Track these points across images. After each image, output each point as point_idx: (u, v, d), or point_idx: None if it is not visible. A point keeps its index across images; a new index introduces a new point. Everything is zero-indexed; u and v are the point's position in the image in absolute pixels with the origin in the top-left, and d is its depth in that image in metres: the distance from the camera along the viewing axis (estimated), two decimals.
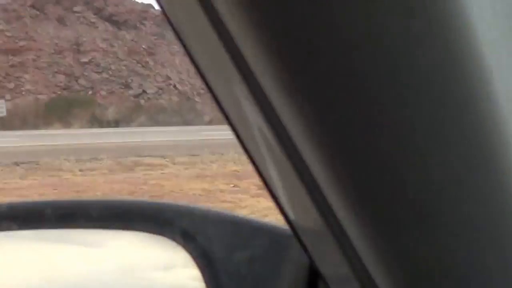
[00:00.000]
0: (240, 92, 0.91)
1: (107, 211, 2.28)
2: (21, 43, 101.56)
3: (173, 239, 2.20)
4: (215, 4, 0.97)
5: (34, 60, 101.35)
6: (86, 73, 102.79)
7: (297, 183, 1.22)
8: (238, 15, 0.95)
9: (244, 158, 1.27)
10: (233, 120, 1.09)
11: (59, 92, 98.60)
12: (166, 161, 31.10)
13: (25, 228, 2.24)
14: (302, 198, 1.26)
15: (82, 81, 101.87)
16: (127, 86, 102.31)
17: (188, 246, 2.19)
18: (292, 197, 1.47)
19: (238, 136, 1.38)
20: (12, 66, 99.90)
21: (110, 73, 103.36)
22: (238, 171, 25.77)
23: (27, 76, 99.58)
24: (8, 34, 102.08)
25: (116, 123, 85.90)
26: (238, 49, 1.01)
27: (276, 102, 1.08)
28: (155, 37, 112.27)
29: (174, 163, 30.33)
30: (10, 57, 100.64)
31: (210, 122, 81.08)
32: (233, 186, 23.11)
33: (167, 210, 2.31)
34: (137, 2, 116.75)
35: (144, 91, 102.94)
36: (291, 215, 1.57)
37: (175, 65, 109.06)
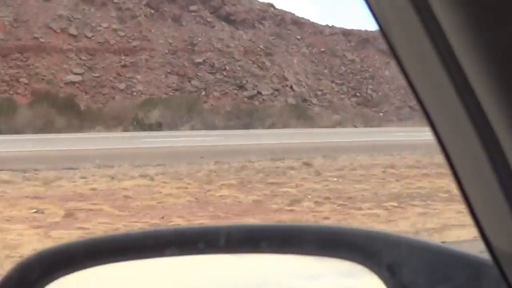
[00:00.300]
0: (451, 97, 0.97)
1: (316, 236, 2.23)
2: (134, 43, 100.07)
3: (378, 271, 2.12)
4: (430, 2, 1.01)
5: (147, 60, 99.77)
6: (199, 74, 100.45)
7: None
8: (456, 15, 0.97)
9: None
10: (440, 128, 1.16)
11: (171, 93, 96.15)
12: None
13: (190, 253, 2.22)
14: None
15: (195, 82, 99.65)
16: (242, 87, 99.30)
17: (391, 279, 2.10)
18: (499, 221, 1.43)
19: (443, 147, 1.34)
20: (124, 66, 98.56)
21: (225, 74, 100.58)
22: None
23: (139, 77, 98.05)
24: (122, 33, 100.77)
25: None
26: (452, 51, 1.03)
27: (495, 110, 1.05)
28: (273, 37, 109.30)
29: None
30: (123, 57, 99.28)
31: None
32: None
33: (376, 240, 2.21)
34: (257, 1, 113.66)
35: (259, 93, 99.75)
36: (495, 242, 1.54)
37: (292, 65, 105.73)
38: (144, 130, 70.81)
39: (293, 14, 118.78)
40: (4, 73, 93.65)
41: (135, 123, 75.27)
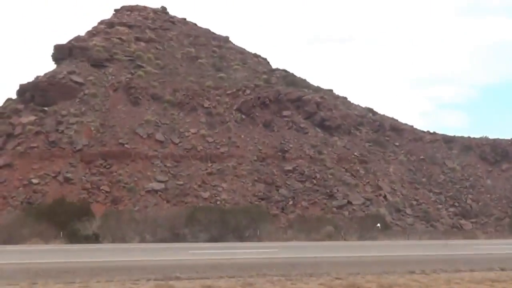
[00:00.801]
0: None
1: None
2: (223, 149, 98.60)
3: None
4: None
5: (234, 167, 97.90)
6: (288, 182, 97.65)
7: None
8: None
9: None
10: None
11: (256, 202, 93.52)
12: None
13: None
14: None
15: (283, 191, 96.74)
16: (331, 196, 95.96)
17: None
18: None
19: None
20: (210, 173, 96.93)
21: (315, 182, 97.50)
22: None
23: (224, 185, 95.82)
24: (210, 139, 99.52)
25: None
26: None
27: None
28: (370, 144, 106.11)
29: None
30: (209, 164, 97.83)
31: None
32: None
33: None
34: (354, 106, 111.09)
35: (349, 202, 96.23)
36: None
37: (388, 174, 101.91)
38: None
39: (393, 119, 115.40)
40: (86, 180, 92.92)
41: None
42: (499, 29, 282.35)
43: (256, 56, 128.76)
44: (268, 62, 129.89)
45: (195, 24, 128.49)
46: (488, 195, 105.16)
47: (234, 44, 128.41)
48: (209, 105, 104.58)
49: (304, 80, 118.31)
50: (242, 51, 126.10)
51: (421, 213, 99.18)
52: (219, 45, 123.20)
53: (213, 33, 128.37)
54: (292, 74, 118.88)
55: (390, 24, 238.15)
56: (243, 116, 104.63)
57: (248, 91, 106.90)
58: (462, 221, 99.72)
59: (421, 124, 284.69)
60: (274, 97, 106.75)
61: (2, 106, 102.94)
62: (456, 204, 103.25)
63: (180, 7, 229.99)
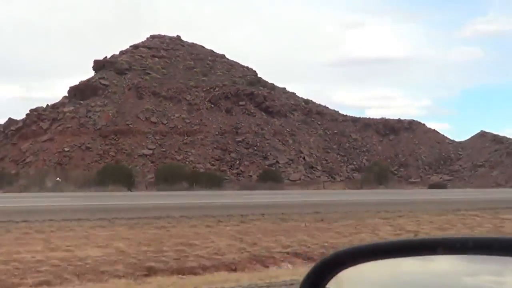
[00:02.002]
0: None
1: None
2: (195, 127, 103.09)
3: None
4: None
5: (201, 139, 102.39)
6: (238, 149, 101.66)
7: None
8: None
9: None
10: None
11: (212, 163, 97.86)
12: None
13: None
14: None
15: (233, 155, 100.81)
16: (265, 158, 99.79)
17: None
18: None
19: None
20: (185, 143, 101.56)
21: (255, 148, 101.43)
22: None
23: (193, 151, 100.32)
24: (187, 121, 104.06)
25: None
26: None
27: None
28: (299, 123, 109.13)
29: None
30: (185, 137, 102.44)
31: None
32: None
33: None
34: (292, 97, 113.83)
35: (277, 161, 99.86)
36: None
37: (309, 143, 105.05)
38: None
39: (319, 106, 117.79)
40: (100, 149, 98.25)
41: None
42: None
43: (243, 67, 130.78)
44: (251, 70, 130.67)
45: (202, 47, 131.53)
46: (378, 156, 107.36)
47: (228, 59, 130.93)
48: (189, 98, 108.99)
49: (265, 81, 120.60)
50: (232, 64, 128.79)
51: (327, 169, 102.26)
52: (214, 59, 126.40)
53: (213, 52, 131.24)
54: (258, 77, 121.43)
55: None
56: (212, 105, 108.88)
57: (217, 89, 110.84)
58: (355, 174, 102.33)
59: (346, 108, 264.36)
60: (234, 92, 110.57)
61: (58, 101, 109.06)
62: (354, 163, 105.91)
63: (198, 34, 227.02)
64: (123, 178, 70.21)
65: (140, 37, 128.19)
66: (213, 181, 74.25)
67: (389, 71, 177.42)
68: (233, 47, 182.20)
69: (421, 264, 2.30)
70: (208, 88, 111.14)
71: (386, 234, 19.77)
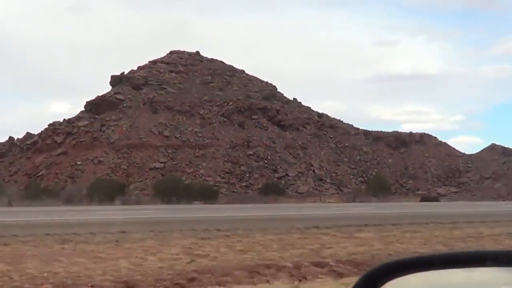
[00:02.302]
0: None
1: None
2: (207, 141, 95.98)
3: None
4: None
5: (213, 152, 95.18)
6: (248, 162, 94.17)
7: None
8: None
9: None
10: None
11: (222, 176, 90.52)
12: None
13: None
14: None
15: (243, 168, 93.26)
16: (275, 171, 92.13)
17: None
18: None
19: None
20: (196, 156, 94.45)
21: (266, 161, 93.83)
22: None
23: (204, 164, 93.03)
24: (200, 134, 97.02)
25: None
26: None
27: None
28: (311, 136, 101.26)
29: None
30: (197, 150, 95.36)
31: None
32: None
33: None
34: (306, 111, 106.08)
35: (286, 174, 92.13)
36: None
37: (320, 156, 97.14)
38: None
39: (333, 119, 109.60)
40: (112, 162, 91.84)
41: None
42: None
43: (262, 81, 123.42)
44: (269, 85, 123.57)
45: (222, 62, 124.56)
46: (388, 169, 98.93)
47: (247, 74, 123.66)
48: (203, 112, 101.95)
49: (281, 95, 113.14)
50: (250, 78, 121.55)
51: (336, 181, 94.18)
52: (232, 74, 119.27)
53: (232, 66, 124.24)
54: (275, 92, 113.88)
55: None
56: (225, 119, 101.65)
57: (231, 103, 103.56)
58: (363, 186, 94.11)
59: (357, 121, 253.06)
60: (248, 106, 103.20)
61: (74, 116, 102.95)
62: (364, 175, 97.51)
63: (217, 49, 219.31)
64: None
65: (161, 54, 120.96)
66: (207, 195, 67.02)
67: (423, 87, 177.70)
68: (264, 64, 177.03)
69: (464, 275, 2.30)
70: (222, 102, 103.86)
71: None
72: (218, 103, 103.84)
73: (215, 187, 79.89)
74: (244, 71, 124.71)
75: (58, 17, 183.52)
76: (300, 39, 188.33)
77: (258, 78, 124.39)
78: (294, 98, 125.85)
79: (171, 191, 69.22)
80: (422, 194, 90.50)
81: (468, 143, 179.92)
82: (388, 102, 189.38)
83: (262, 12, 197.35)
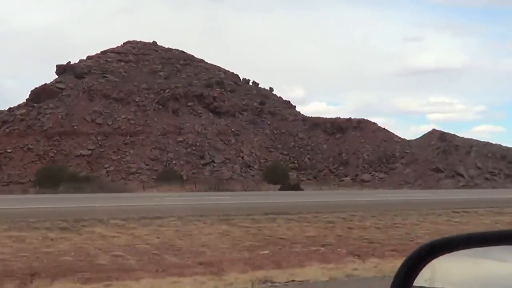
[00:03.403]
0: None
1: None
2: (138, 128, 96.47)
3: None
4: None
5: (143, 139, 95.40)
6: (177, 149, 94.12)
7: None
8: None
9: None
10: None
11: (147, 163, 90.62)
12: None
13: None
14: None
15: (170, 154, 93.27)
16: (202, 157, 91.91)
17: None
18: None
19: None
20: (125, 144, 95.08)
21: (194, 148, 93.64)
22: None
23: (131, 151, 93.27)
24: (132, 122, 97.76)
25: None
26: None
27: None
28: (247, 123, 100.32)
29: None
30: (127, 138, 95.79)
31: None
32: None
33: None
34: (244, 99, 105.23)
35: (212, 161, 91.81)
36: None
37: (252, 142, 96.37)
38: None
39: (273, 107, 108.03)
40: (42, 149, 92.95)
41: None
42: None
43: (221, 70, 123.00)
44: (231, 74, 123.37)
45: (183, 52, 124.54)
46: (321, 155, 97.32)
47: (206, 63, 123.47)
48: (138, 100, 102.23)
49: (224, 82, 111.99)
50: (208, 67, 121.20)
51: (264, 168, 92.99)
52: (187, 63, 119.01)
53: (192, 56, 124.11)
54: (221, 79, 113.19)
55: None
56: (160, 107, 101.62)
57: (168, 91, 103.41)
58: (290, 173, 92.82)
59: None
60: (184, 94, 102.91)
61: (16, 105, 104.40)
62: (295, 161, 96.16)
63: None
64: None
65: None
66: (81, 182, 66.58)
67: (448, 80, 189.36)
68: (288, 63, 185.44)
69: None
70: (159, 90, 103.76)
71: None
72: (155, 91, 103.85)
73: (97, 176, 79.13)
74: (204, 60, 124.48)
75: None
76: (332, 35, 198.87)
77: (220, 67, 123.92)
78: (270, 87, 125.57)
79: (54, 180, 68.89)
80: (345, 181, 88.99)
81: (489, 131, 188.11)
82: (415, 94, 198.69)
83: (295, 9, 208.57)
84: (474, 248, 2.27)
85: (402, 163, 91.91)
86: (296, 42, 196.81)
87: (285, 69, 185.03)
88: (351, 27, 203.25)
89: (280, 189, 60.49)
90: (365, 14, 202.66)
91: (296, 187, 61.25)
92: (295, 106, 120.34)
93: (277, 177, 74.04)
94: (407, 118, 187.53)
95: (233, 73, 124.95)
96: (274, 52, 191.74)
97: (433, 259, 2.28)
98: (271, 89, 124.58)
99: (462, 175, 79.69)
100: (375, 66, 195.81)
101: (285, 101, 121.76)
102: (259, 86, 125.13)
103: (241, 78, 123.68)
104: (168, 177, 75.40)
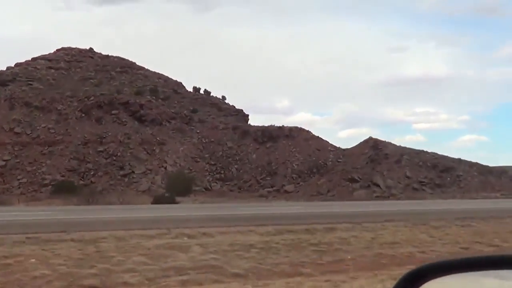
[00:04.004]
0: None
1: None
2: (58, 137, 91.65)
3: None
4: None
5: (61, 149, 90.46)
6: (97, 159, 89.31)
7: None
8: None
9: None
10: None
11: (63, 174, 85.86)
12: None
13: None
14: None
15: (89, 165, 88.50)
16: (122, 168, 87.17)
17: None
18: None
19: None
20: (43, 154, 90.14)
21: (114, 158, 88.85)
22: None
23: (48, 162, 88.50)
24: (52, 131, 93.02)
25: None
26: None
27: None
28: (174, 131, 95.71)
29: None
30: (46, 147, 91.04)
31: None
32: None
33: None
34: (176, 107, 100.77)
35: (132, 172, 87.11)
36: None
37: (177, 152, 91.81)
38: None
39: (200, 115, 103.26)
40: None
41: None
42: None
43: (162, 77, 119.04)
44: (173, 81, 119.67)
45: (123, 59, 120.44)
46: (249, 165, 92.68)
47: (146, 70, 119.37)
48: (61, 108, 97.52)
49: (157, 90, 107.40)
50: (148, 74, 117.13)
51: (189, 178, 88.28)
52: (124, 71, 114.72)
53: (133, 63, 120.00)
54: (156, 86, 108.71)
55: None
56: (83, 115, 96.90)
57: (92, 98, 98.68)
58: (214, 184, 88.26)
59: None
60: (109, 101, 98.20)
61: None
62: (222, 172, 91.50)
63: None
64: None
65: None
66: None
67: (432, 89, 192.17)
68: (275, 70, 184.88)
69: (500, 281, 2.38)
70: (84, 97, 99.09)
71: None
72: (80, 99, 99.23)
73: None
74: (144, 67, 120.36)
75: None
76: (317, 46, 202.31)
77: (162, 75, 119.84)
78: (223, 96, 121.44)
79: None
80: (270, 192, 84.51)
81: (474, 141, 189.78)
82: (400, 104, 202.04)
83: (282, 21, 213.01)
84: (461, 273, 2.28)
85: (316, 173, 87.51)
86: (282, 53, 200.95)
87: (270, 80, 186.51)
88: (335, 38, 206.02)
89: (153, 202, 55.71)
90: (349, 25, 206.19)
91: (171, 201, 56.61)
92: (248, 115, 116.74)
93: (181, 189, 69.57)
94: (393, 128, 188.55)
95: (176, 81, 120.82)
96: (259, 63, 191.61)
97: (422, 283, 2.27)
98: (224, 97, 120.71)
99: (378, 186, 75.32)
100: (360, 77, 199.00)
101: (238, 109, 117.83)
102: (211, 94, 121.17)
103: (195, 87, 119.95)
104: (65, 189, 70.65)
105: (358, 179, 77.34)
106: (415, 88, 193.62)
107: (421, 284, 2.27)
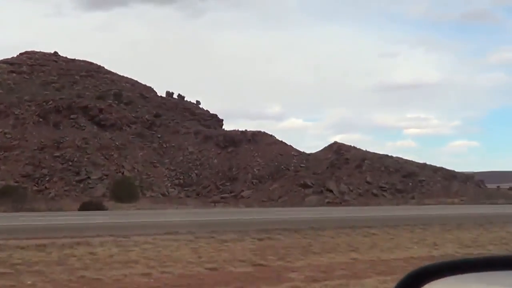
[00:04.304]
0: None
1: None
2: (14, 142, 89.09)
3: None
4: None
5: (17, 154, 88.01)
6: (52, 164, 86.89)
7: None
8: None
9: None
10: None
11: (17, 180, 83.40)
12: None
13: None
14: None
15: (44, 170, 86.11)
16: (78, 173, 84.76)
17: None
18: None
19: None
20: None
21: (70, 163, 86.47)
22: None
23: (3, 167, 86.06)
24: (8, 135, 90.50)
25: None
26: None
27: None
28: (133, 136, 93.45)
29: None
30: (1, 152, 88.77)
31: None
32: None
33: None
34: (138, 111, 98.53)
35: (88, 177, 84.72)
36: None
37: (136, 156, 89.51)
38: None
39: (161, 119, 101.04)
40: None
41: None
42: None
43: (129, 81, 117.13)
44: (142, 86, 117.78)
45: (91, 63, 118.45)
46: (210, 170, 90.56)
47: (114, 74, 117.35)
48: (18, 112, 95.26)
49: (121, 94, 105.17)
50: (115, 79, 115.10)
51: (146, 184, 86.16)
52: (89, 75, 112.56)
53: (101, 67, 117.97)
54: (120, 90, 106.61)
55: None
56: (41, 119, 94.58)
57: (51, 102, 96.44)
58: (171, 190, 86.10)
59: None
60: (67, 106, 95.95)
61: None
62: (181, 177, 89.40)
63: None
64: None
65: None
66: None
67: (423, 95, 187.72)
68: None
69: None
70: (42, 102, 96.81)
71: None
72: (38, 103, 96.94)
73: None
74: (112, 71, 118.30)
75: None
76: (309, 52, 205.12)
77: (130, 79, 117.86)
78: (197, 101, 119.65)
79: None
80: (214, 199, 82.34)
81: (466, 146, 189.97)
82: (391, 109, 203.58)
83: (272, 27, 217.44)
84: (461, 274, 2.26)
85: (269, 178, 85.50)
86: (273, 59, 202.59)
87: (262, 86, 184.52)
88: (327, 44, 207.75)
89: (80, 209, 53.24)
90: (341, 31, 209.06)
91: (99, 207, 54.35)
92: (222, 120, 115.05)
93: (125, 195, 67.35)
94: (385, 134, 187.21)
95: (145, 85, 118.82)
96: (251, 69, 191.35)
97: (424, 284, 2.25)
98: (198, 102, 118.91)
99: (331, 191, 73.36)
100: (352, 82, 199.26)
101: (212, 114, 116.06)
102: (185, 99, 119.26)
103: (168, 91, 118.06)
104: (7, 195, 68.12)
105: (311, 185, 75.36)
106: (406, 93, 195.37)
107: (422, 285, 2.23)
